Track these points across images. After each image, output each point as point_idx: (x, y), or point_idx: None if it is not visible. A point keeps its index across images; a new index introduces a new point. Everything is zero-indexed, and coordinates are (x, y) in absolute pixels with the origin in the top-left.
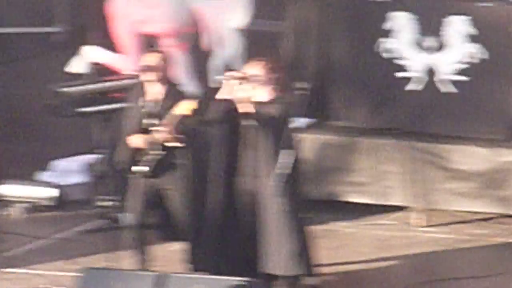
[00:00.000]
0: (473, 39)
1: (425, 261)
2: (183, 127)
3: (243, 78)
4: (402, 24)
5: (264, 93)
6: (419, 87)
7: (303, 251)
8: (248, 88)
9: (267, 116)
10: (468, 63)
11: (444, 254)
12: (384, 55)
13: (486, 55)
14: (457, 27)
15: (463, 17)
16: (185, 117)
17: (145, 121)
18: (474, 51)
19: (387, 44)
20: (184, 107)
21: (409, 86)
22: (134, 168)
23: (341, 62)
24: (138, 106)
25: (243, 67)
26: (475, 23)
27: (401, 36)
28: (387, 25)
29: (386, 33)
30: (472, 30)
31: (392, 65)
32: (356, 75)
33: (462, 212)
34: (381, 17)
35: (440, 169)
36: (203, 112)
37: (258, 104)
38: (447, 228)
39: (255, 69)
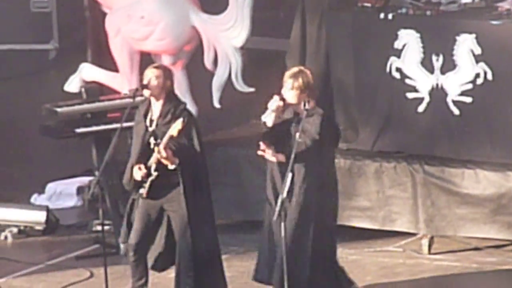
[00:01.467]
0: (484, 58)
1: None
2: (173, 147)
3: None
4: (410, 43)
5: (302, 108)
6: (428, 108)
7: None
8: None
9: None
10: (479, 83)
11: (452, 283)
12: (392, 74)
13: (497, 76)
14: (466, 46)
15: (473, 36)
16: (173, 137)
17: (151, 140)
18: (485, 71)
19: (395, 64)
20: (173, 128)
21: (418, 107)
22: (133, 191)
23: (348, 82)
24: (144, 125)
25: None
26: (485, 41)
27: (409, 55)
28: (395, 44)
29: (395, 52)
30: (482, 49)
31: (400, 85)
32: (362, 95)
33: (472, 239)
34: (390, 35)
35: (449, 194)
36: (192, 131)
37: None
38: (455, 256)
39: (289, 92)
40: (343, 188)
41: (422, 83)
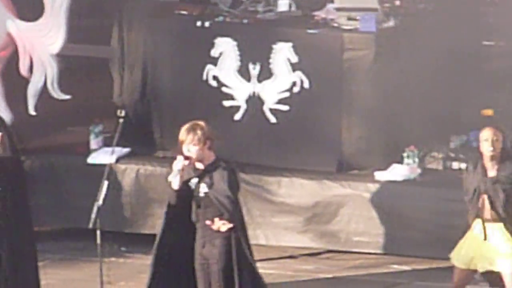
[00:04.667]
0: (300, 67)
1: None
2: None
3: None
4: (227, 51)
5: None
6: (245, 116)
7: None
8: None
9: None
10: (295, 92)
11: None
12: (209, 82)
13: (313, 84)
14: (283, 54)
15: (289, 44)
16: None
17: None
18: (301, 80)
19: (212, 72)
20: None
21: (234, 115)
22: None
23: (165, 90)
24: None
25: None
26: (302, 50)
27: (226, 63)
28: (212, 52)
29: (211, 60)
30: (299, 58)
31: (217, 93)
32: (179, 102)
33: (288, 247)
34: (206, 43)
35: (266, 202)
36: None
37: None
38: (271, 263)
39: (190, 146)
40: (159, 196)
41: (239, 91)
